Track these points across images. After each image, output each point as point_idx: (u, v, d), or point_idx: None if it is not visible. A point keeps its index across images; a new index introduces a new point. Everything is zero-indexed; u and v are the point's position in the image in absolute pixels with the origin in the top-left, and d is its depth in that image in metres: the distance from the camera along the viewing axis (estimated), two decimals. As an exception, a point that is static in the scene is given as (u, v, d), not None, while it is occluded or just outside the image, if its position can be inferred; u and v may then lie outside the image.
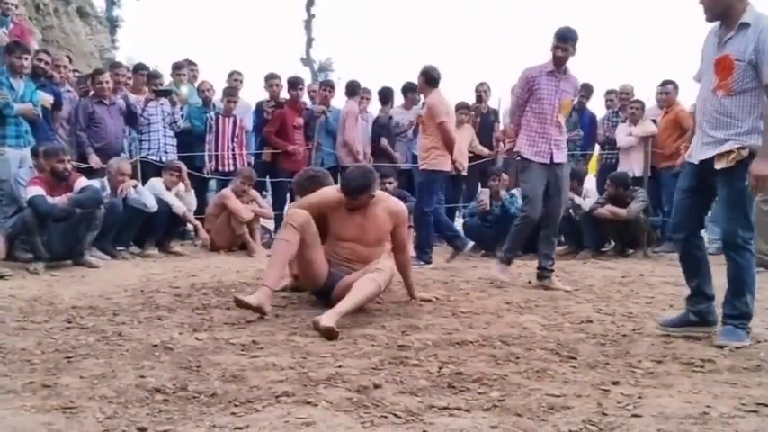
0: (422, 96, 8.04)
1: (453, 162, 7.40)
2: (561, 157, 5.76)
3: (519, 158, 5.78)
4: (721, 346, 3.64)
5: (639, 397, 2.77)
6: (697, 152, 3.87)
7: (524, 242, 5.97)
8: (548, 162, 5.68)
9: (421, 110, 7.92)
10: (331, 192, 4.84)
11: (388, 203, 4.81)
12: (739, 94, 3.68)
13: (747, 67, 3.63)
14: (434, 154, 7.17)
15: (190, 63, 10.04)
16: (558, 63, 5.64)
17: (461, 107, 9.84)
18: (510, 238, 5.89)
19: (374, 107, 10.32)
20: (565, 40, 5.58)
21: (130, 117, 8.59)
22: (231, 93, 9.27)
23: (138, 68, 9.66)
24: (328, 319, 3.86)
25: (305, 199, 4.86)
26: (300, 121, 9.46)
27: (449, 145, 7.20)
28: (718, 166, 3.76)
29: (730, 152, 3.70)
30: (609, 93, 9.93)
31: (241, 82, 9.95)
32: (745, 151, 3.64)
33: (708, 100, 3.82)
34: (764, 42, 3.56)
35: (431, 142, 7.21)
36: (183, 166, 8.18)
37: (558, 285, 5.63)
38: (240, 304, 4.20)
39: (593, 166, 10.14)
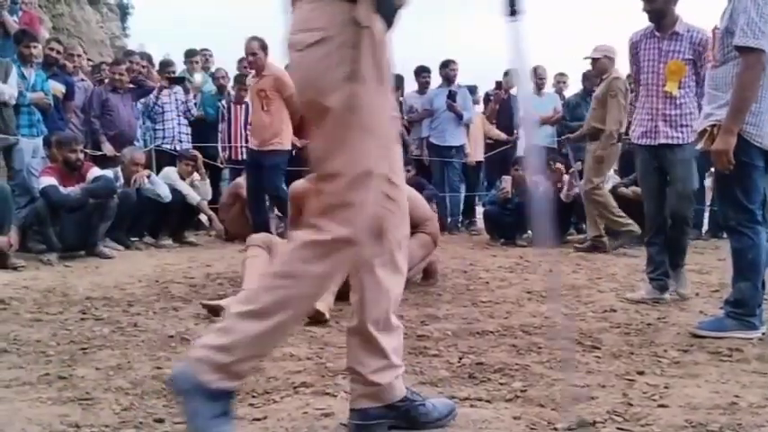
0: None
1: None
2: (674, 136, 4.53)
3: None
4: (694, 335, 3.55)
5: (666, 387, 2.71)
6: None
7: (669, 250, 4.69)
8: (654, 144, 4.58)
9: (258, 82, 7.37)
10: (298, 183, 4.89)
11: None
12: (722, 64, 3.57)
13: (725, 33, 3.52)
14: (282, 132, 6.98)
15: (203, 50, 9.98)
16: (654, 20, 4.53)
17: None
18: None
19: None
20: None
21: (140, 91, 8.56)
22: (242, 80, 9.21)
23: (163, 65, 9.59)
24: (319, 303, 3.84)
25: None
26: None
27: (296, 119, 6.94)
28: (698, 146, 3.69)
29: (704, 131, 3.62)
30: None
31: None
32: (717, 130, 3.50)
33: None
34: (736, 7, 3.43)
35: (277, 119, 6.94)
36: (199, 156, 8.14)
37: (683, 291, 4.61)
38: (211, 310, 4.03)
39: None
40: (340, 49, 1.88)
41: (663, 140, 4.55)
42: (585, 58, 7.20)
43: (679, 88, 4.54)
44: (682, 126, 4.55)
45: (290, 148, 7.16)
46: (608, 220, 7.17)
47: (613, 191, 7.70)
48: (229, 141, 9.10)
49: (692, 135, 4.34)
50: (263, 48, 7.01)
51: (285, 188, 6.80)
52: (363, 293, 2.12)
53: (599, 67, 7.14)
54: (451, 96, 9.10)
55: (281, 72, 6.81)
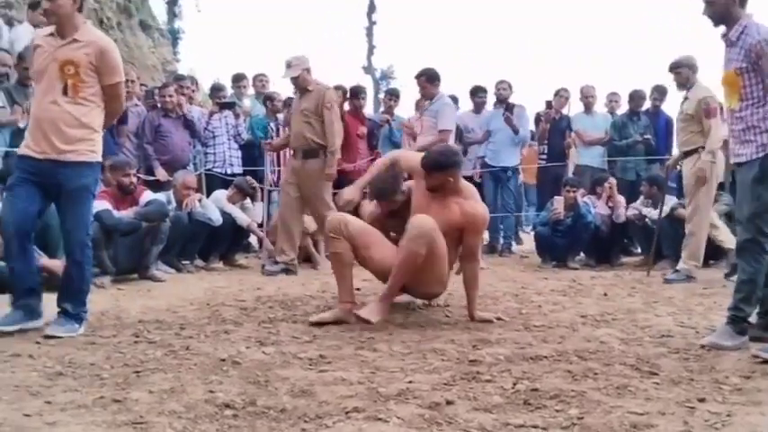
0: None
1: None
2: (740, 153, 3.85)
3: None
4: (757, 361, 3.44)
5: (728, 415, 2.62)
6: None
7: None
8: (733, 162, 4.02)
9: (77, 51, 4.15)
10: (368, 206, 4.94)
11: (466, 202, 4.55)
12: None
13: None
14: (96, 136, 4.27)
15: (259, 75, 10.13)
16: (716, 25, 3.94)
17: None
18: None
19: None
20: None
21: (190, 130, 8.64)
22: (291, 102, 9.24)
23: (214, 90, 9.76)
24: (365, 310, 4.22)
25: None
26: (363, 130, 9.35)
27: (117, 116, 4.90)
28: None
29: None
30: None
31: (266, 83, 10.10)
32: None
33: None
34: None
35: (91, 114, 4.21)
36: (249, 187, 8.16)
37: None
38: (359, 319, 4.33)
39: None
40: None
41: (734, 159, 3.96)
42: (284, 77, 7.15)
43: (740, 100, 3.84)
44: (744, 142, 3.83)
45: (101, 160, 4.41)
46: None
47: (671, 213, 7.45)
48: (279, 165, 9.16)
49: (758, 151, 3.76)
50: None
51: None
52: None
53: (299, 83, 7.11)
54: (509, 109, 9.03)
55: (108, 44, 4.30)
